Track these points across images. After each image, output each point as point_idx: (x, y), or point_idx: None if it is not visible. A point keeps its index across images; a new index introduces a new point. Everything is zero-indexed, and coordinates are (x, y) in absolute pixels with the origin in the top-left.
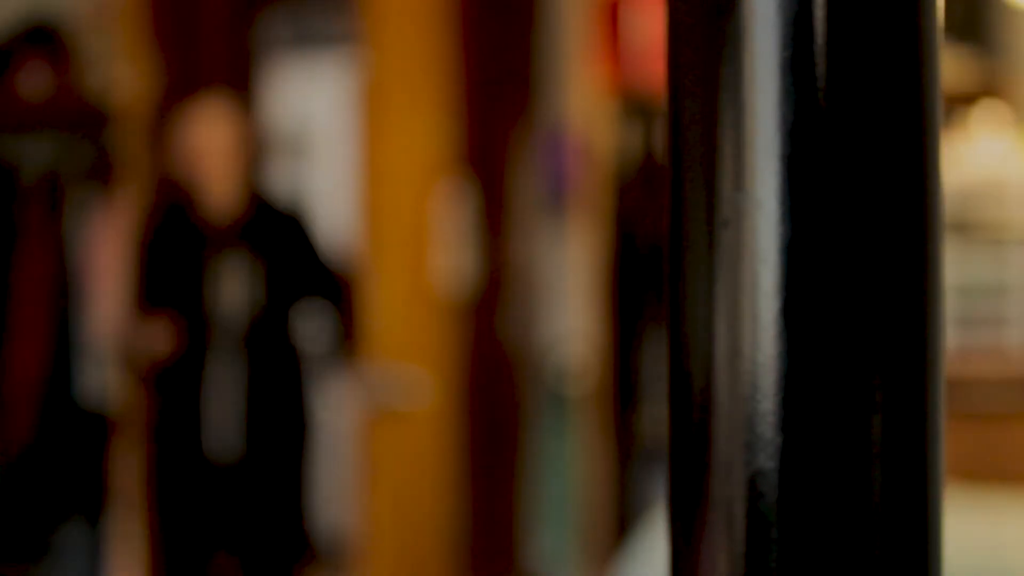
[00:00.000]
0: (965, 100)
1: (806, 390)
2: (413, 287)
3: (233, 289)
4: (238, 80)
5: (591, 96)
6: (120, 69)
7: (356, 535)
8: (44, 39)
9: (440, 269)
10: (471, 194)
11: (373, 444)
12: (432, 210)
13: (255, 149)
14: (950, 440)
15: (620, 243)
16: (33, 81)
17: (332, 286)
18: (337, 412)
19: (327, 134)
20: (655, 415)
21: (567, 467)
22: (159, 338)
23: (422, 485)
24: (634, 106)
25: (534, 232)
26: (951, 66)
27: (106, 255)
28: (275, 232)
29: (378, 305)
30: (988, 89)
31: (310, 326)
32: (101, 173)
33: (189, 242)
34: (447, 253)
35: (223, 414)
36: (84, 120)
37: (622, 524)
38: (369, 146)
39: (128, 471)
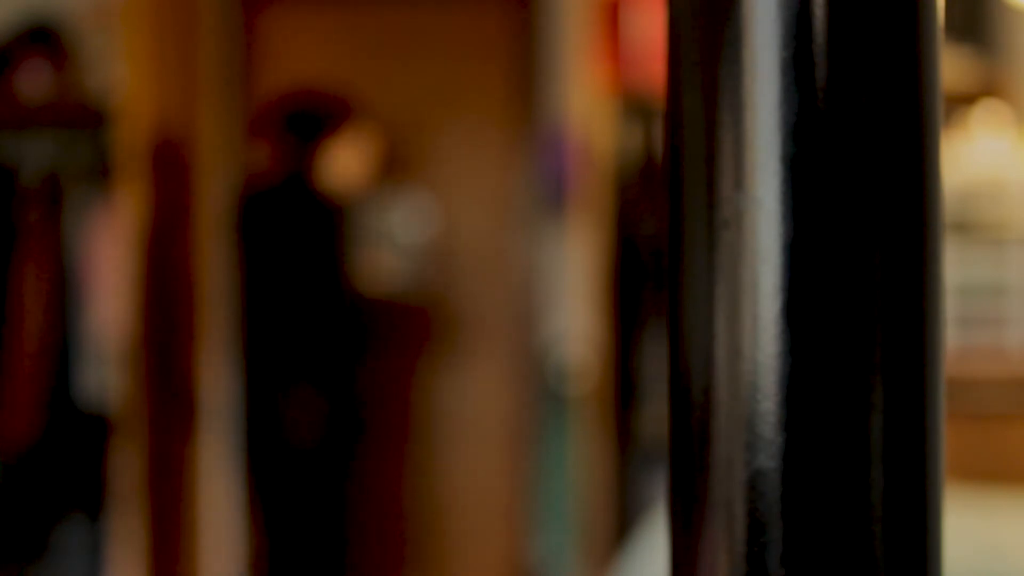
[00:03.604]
0: (965, 100)
1: (806, 390)
2: None
3: None
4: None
5: (591, 96)
6: (120, 69)
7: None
8: (44, 39)
9: None
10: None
11: None
12: None
13: None
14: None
15: (620, 243)
16: (33, 81)
17: None
18: None
19: None
20: (655, 415)
21: (567, 467)
22: None
23: None
24: (634, 106)
25: (534, 232)
26: (951, 66)
27: (106, 255)
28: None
29: None
30: (988, 89)
31: None
32: (101, 173)
33: None
34: None
35: None
36: (84, 120)
37: (622, 524)
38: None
39: (128, 470)
